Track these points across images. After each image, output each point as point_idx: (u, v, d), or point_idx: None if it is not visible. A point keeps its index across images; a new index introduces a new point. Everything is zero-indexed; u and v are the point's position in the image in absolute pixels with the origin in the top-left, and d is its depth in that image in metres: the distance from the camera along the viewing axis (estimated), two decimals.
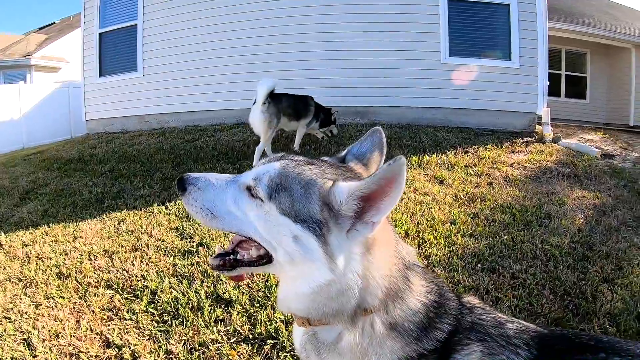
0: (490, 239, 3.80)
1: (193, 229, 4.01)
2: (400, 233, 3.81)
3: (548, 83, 9.72)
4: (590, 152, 7.43)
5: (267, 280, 3.08)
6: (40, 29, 28.85)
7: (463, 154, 6.73)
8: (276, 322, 2.64)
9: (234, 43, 9.51)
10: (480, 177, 5.55)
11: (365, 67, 9.15)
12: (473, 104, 9.18)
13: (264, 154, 6.26)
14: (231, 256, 1.37)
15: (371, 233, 1.18)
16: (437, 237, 3.81)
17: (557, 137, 8.34)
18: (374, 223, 1.17)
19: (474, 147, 7.13)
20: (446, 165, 6.06)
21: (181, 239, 3.84)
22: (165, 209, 4.62)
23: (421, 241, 3.75)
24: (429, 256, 3.49)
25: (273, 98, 6.42)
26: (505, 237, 3.83)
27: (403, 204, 4.53)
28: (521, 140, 7.80)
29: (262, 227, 1.26)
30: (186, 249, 3.62)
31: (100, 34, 10.79)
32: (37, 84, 17.94)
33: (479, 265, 3.37)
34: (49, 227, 4.42)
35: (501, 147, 7.20)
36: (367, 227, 1.18)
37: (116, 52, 10.77)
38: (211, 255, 1.51)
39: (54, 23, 29.03)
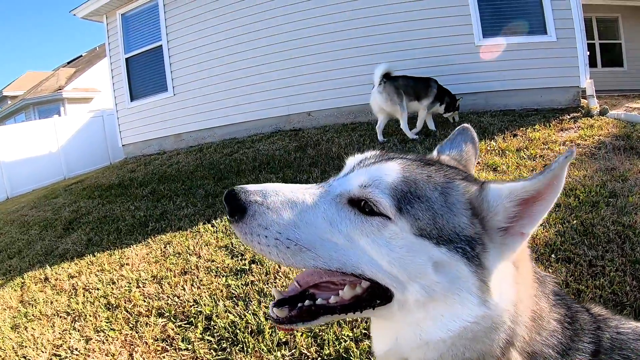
0: (560, 225, 3.46)
1: (243, 245, 3.81)
2: None
3: (588, 53, 9.25)
4: None
5: None
6: (68, 63, 29.73)
7: (512, 137, 6.39)
8: (345, 341, 2.40)
9: (263, 51, 9.39)
10: (534, 160, 5.18)
11: (395, 59, 8.82)
12: (513, 84, 8.77)
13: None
14: (307, 302, 0.99)
15: (520, 247, 0.91)
16: None
17: (605, 109, 7.92)
18: (524, 234, 0.90)
19: (521, 129, 6.78)
20: (497, 151, 5.70)
21: (232, 258, 3.64)
22: (212, 226, 4.45)
23: None
24: None
25: (389, 79, 6.70)
26: (575, 221, 3.48)
27: None
28: (568, 117, 7.37)
29: (384, 257, 0.89)
30: (238, 268, 3.42)
31: (126, 59, 10.86)
32: (71, 116, 18.37)
33: (552, 255, 3.07)
34: (94, 256, 4.33)
35: (549, 125, 6.79)
36: (516, 240, 0.91)
37: (144, 74, 10.81)
38: (272, 303, 1.02)
39: (81, 56, 29.87)
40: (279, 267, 3.27)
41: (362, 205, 0.93)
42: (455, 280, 0.88)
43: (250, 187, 0.95)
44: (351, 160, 1.11)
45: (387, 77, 6.69)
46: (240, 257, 3.61)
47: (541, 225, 3.46)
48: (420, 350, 0.93)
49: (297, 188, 0.99)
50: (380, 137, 7.05)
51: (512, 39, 8.87)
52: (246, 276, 3.25)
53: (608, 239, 3.18)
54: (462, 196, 0.92)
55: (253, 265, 3.40)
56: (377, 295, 0.94)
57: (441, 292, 0.89)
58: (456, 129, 1.29)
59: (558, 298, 1.02)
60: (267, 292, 2.98)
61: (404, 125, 6.81)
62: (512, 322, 0.90)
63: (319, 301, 0.98)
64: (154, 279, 3.53)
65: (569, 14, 8.70)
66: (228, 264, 3.51)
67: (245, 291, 3.04)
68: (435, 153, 1.23)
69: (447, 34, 8.82)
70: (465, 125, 1.30)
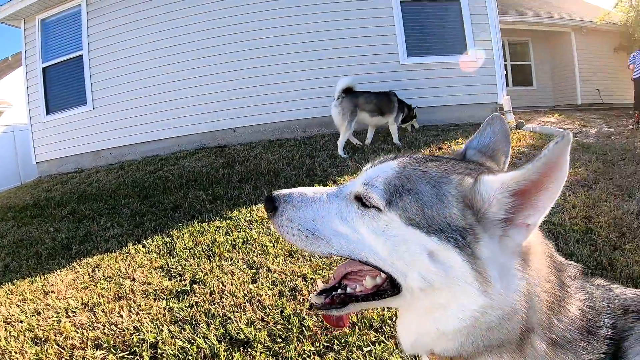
0: None
1: (181, 265, 3.62)
2: None
3: (505, 72, 9.89)
4: (555, 133, 7.59)
5: (282, 311, 2.77)
6: None
7: (437, 151, 6.67)
8: (308, 356, 2.33)
9: (187, 65, 9.21)
10: None
11: (325, 76, 8.97)
12: (436, 100, 9.25)
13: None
14: (339, 291, 1.13)
15: (526, 239, 0.94)
16: None
17: (521, 123, 8.58)
18: (529, 225, 0.93)
19: (446, 142, 7.17)
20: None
21: (170, 279, 3.44)
22: (143, 247, 4.21)
23: None
24: None
25: (349, 94, 7.05)
26: None
27: None
28: None
29: (381, 245, 1.00)
30: (179, 289, 3.22)
31: (44, 68, 10.19)
32: None
33: None
34: (13, 284, 3.91)
35: None
36: (520, 231, 0.93)
37: (63, 86, 10.16)
38: (313, 293, 1.17)
39: None
40: (224, 286, 3.15)
41: (363, 200, 1.05)
42: (450, 270, 0.94)
43: (282, 191, 1.15)
44: (366, 165, 1.20)
45: (347, 92, 7.01)
46: (179, 278, 3.42)
47: None
48: (441, 341, 1.00)
49: (318, 189, 1.16)
50: (367, 141, 7.57)
51: (434, 59, 9.36)
52: (189, 298, 3.07)
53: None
54: (454, 189, 0.97)
55: (195, 286, 3.23)
56: (392, 285, 1.04)
57: (441, 281, 0.95)
58: (486, 119, 1.29)
59: (578, 284, 1.05)
60: (215, 313, 2.82)
61: (342, 140, 7.02)
62: (527, 311, 0.94)
63: (348, 290, 1.12)
64: (85, 307, 3.23)
65: (488, 36, 9.35)
66: (167, 286, 3.31)
67: (190, 314, 2.86)
68: (463, 148, 1.29)
69: (375, 52, 9.16)
70: (496, 114, 1.31)
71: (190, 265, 3.61)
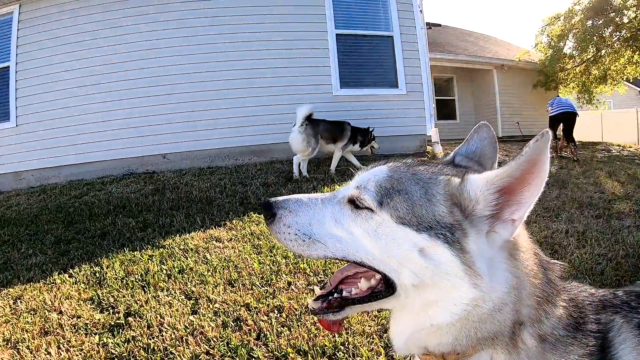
0: None
1: (112, 296, 3.43)
2: None
3: (434, 106, 10.35)
4: None
5: (228, 343, 2.69)
6: None
7: None
8: None
9: (117, 86, 8.88)
10: None
11: (259, 104, 9.04)
12: None
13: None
14: (335, 295, 1.18)
15: (513, 234, 1.00)
16: None
17: (447, 154, 8.90)
18: (515, 221, 0.99)
19: None
20: None
21: (101, 311, 3.25)
22: (70, 276, 3.97)
23: None
24: None
25: (311, 122, 7.33)
26: None
27: None
28: None
29: (374, 244, 1.05)
30: (112, 323, 3.05)
31: None
32: None
33: None
34: None
35: None
36: (507, 227, 1.00)
37: None
38: (311, 298, 1.22)
39: None
40: (163, 318, 3.03)
41: (356, 203, 1.10)
42: (441, 265, 0.99)
43: (279, 198, 1.19)
44: (358, 172, 1.26)
45: (309, 120, 7.28)
46: (112, 310, 3.25)
47: None
48: (435, 336, 1.04)
49: (314, 196, 1.20)
50: (304, 173, 7.51)
51: (367, 91, 9.65)
52: (125, 332, 2.91)
53: None
54: (442, 189, 1.04)
55: (130, 319, 3.07)
56: (387, 285, 1.08)
57: (432, 277, 1.00)
58: (474, 127, 1.37)
59: (562, 284, 1.13)
60: (155, 348, 2.70)
61: (300, 163, 7.33)
62: (516, 304, 1.00)
63: (344, 294, 1.16)
64: (7, 344, 2.97)
65: (418, 71, 9.78)
66: (99, 319, 3.13)
67: (128, 349, 2.70)
68: (451, 155, 1.37)
69: (309, 82, 9.29)
70: (483, 122, 1.38)
71: (124, 296, 3.44)
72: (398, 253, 1.02)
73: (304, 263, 3.80)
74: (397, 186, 1.06)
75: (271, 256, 4.03)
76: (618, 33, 15.90)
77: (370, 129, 8.21)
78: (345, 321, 1.83)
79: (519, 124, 17.08)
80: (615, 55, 16.63)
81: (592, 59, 17.22)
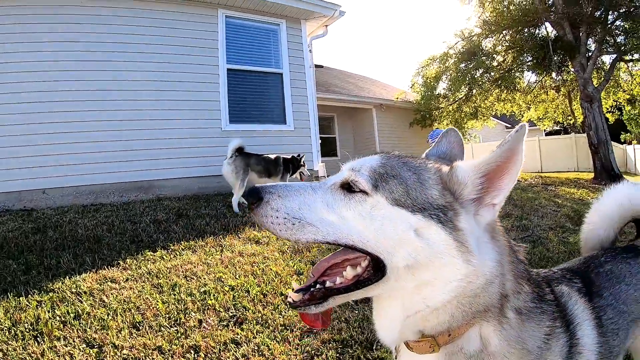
0: None
1: (1, 350, 3.10)
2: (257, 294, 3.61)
3: (320, 142, 10.74)
4: None
5: None
6: None
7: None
8: None
9: None
10: None
11: (145, 138, 8.73)
12: None
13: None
14: (318, 286, 1.17)
15: (493, 217, 1.12)
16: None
17: None
18: (494, 205, 1.12)
19: None
20: (255, 227, 6.11)
21: None
22: None
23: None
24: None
25: (241, 154, 7.60)
26: None
27: (238, 266, 4.34)
28: None
29: (369, 227, 1.08)
30: None
31: None
32: None
33: None
34: None
35: None
36: (489, 210, 1.12)
37: None
38: (291, 291, 1.19)
39: None
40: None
41: (349, 187, 1.14)
42: (435, 244, 1.06)
43: (267, 184, 1.17)
44: (346, 162, 1.30)
45: (239, 152, 7.56)
46: None
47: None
48: (432, 317, 1.10)
49: (302, 183, 1.21)
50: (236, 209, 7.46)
51: (256, 126, 9.84)
52: None
53: None
54: (433, 175, 1.14)
55: None
56: (376, 270, 1.11)
57: (427, 256, 1.06)
58: (442, 132, 1.47)
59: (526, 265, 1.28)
60: None
61: (236, 198, 7.40)
62: (502, 278, 1.12)
63: (327, 284, 1.16)
64: None
65: (306, 108, 10.21)
66: None
67: None
68: (423, 156, 1.44)
69: (198, 117, 9.23)
70: (450, 127, 1.50)
71: (15, 349, 3.09)
72: (394, 234, 1.07)
73: (211, 299, 3.73)
74: (391, 172, 1.12)
75: (174, 294, 3.90)
76: (488, 74, 17.62)
77: (300, 156, 8.35)
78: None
79: None
80: (486, 93, 18.48)
81: (463, 97, 18.99)
